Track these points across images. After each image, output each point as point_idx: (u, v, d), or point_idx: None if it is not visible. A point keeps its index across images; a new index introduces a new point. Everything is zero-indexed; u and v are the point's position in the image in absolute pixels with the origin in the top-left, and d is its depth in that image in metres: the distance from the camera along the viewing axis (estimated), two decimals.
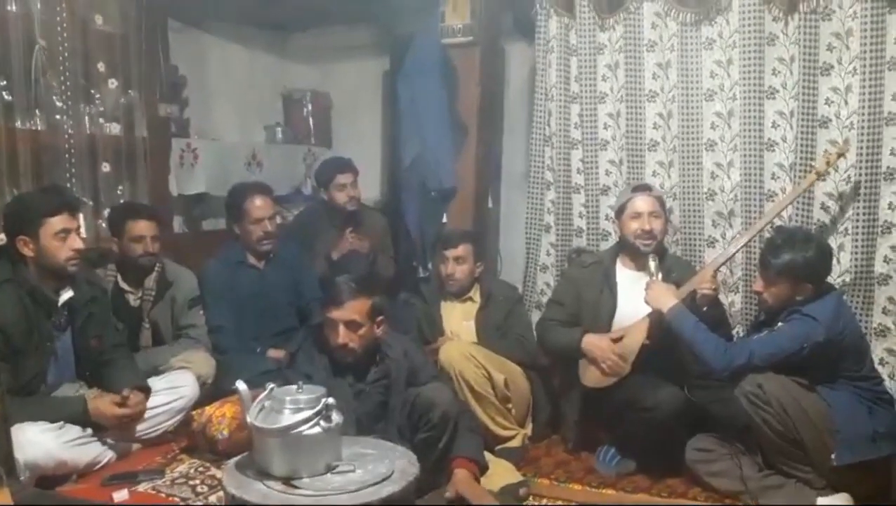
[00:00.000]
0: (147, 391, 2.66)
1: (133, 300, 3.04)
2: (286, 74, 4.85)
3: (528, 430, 2.97)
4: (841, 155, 2.69)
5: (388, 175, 4.53)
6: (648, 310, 2.69)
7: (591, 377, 2.77)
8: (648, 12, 3.07)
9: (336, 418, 1.91)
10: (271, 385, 1.97)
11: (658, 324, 2.63)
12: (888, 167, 2.73)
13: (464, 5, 3.31)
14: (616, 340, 2.72)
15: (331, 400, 1.90)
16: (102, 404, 2.52)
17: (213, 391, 2.90)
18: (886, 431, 2.38)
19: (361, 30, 4.57)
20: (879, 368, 2.69)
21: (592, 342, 2.75)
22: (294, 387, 1.95)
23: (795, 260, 2.42)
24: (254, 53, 4.65)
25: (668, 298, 2.58)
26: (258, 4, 4.16)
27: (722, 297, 2.94)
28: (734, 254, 2.77)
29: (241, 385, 1.95)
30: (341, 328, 2.38)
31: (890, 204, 2.74)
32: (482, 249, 3.32)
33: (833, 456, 2.33)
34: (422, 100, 3.44)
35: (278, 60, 4.83)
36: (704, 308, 2.62)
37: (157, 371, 2.88)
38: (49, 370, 2.57)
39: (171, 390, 2.80)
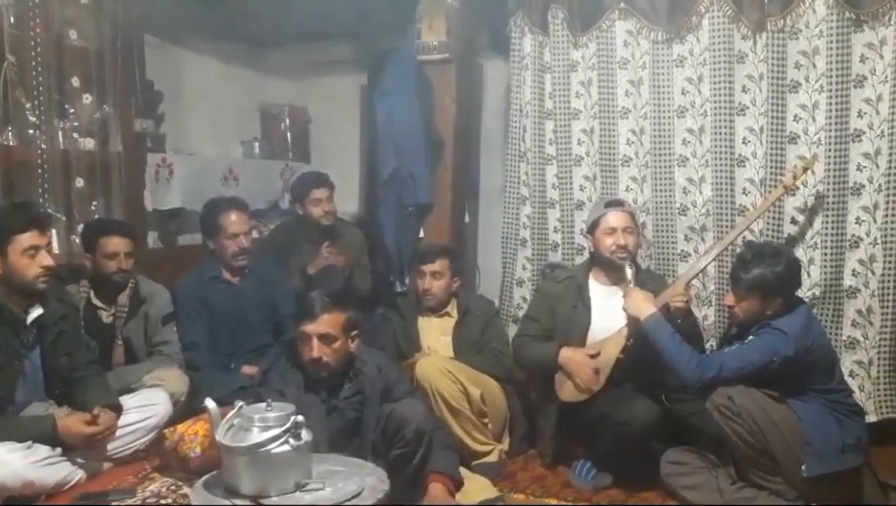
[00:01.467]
0: (118, 410, 2.62)
1: (106, 317, 3.01)
2: (264, 89, 4.85)
3: (505, 445, 2.97)
4: (807, 169, 2.74)
5: (365, 189, 4.54)
6: (622, 324, 2.72)
7: (567, 392, 2.78)
8: (621, 31, 3.12)
9: (306, 435, 1.90)
10: (240, 403, 1.95)
11: (634, 333, 2.65)
12: (855, 182, 2.78)
13: (440, 23, 3.35)
14: (592, 356, 2.73)
15: (300, 418, 1.89)
16: (72, 422, 2.49)
17: (186, 409, 2.88)
18: (855, 442, 2.42)
19: (339, 45, 4.58)
20: (849, 380, 2.74)
21: (569, 356, 2.77)
22: (263, 405, 1.94)
23: (765, 275, 2.46)
24: (231, 69, 4.65)
25: (646, 306, 2.61)
26: (236, 20, 4.17)
27: (695, 310, 2.97)
28: (705, 267, 2.81)
29: (210, 403, 1.93)
30: (315, 342, 2.36)
31: (857, 218, 2.79)
32: (459, 264, 3.33)
33: (803, 467, 2.35)
34: (398, 115, 3.46)
35: (256, 75, 4.83)
36: (678, 320, 2.64)
37: (129, 389, 2.85)
38: (17, 390, 2.52)
39: (144, 407, 2.76)
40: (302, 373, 2.42)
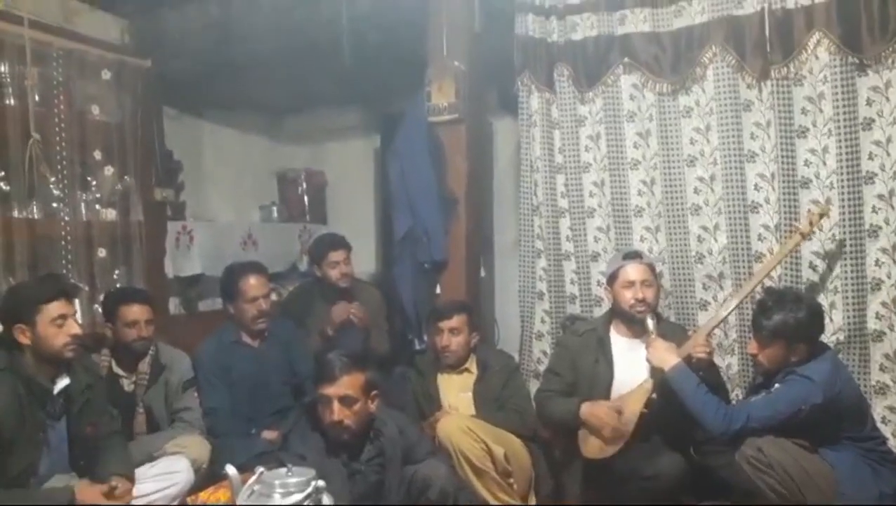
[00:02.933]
0: (132, 481, 2.61)
1: (127, 385, 3.02)
2: (280, 155, 4.98)
3: (531, 503, 2.91)
4: (823, 215, 2.74)
5: (381, 249, 4.58)
6: (645, 377, 2.69)
7: (591, 448, 2.74)
8: (626, 84, 3.17)
9: (327, 500, 1.88)
10: (261, 469, 1.94)
11: (659, 385, 2.62)
12: (871, 224, 2.77)
13: (449, 85, 3.42)
14: (615, 410, 2.69)
15: (321, 483, 1.87)
16: (90, 494, 2.47)
17: (208, 475, 2.85)
18: (892, 491, 2.35)
19: (352, 111, 4.72)
20: (882, 427, 2.66)
21: (590, 411, 2.73)
22: (284, 470, 1.93)
23: (787, 321, 2.43)
24: (248, 136, 4.79)
25: (670, 356, 2.58)
26: (251, 89, 4.30)
27: (718, 359, 2.93)
28: (725, 317, 2.78)
29: (230, 469, 1.92)
30: (335, 404, 2.35)
31: (877, 261, 2.76)
32: (476, 319, 3.32)
33: None
34: (411, 175, 3.51)
35: (272, 142, 4.97)
36: (701, 372, 2.61)
37: (151, 458, 2.83)
38: (41, 461, 2.53)
39: (165, 475, 2.73)
40: (322, 436, 2.40)
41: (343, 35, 3.49)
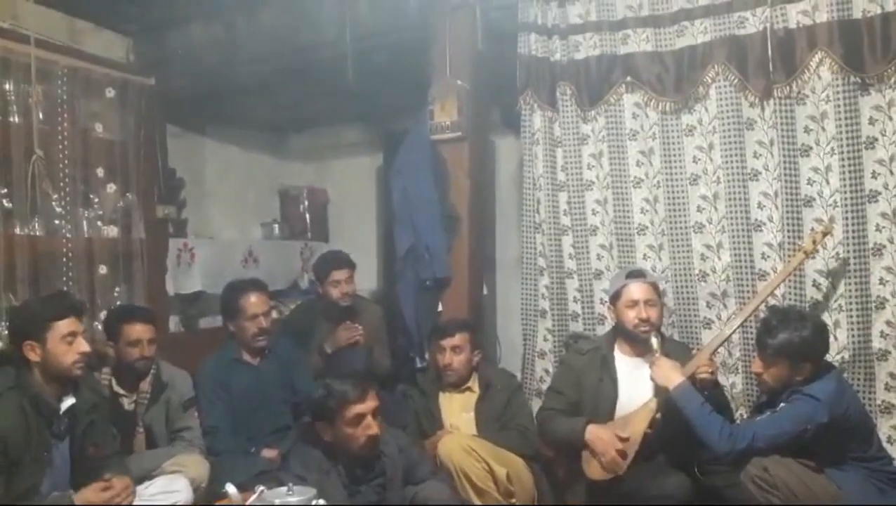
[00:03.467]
0: (130, 480, 2.58)
1: (128, 404, 3.00)
2: (283, 173, 4.99)
3: None
4: (827, 234, 2.73)
5: (383, 266, 4.57)
6: (649, 396, 2.66)
7: (594, 470, 2.71)
8: (629, 103, 3.18)
9: None
10: (261, 487, 1.92)
11: (663, 405, 2.59)
12: (875, 243, 2.76)
13: (451, 104, 3.43)
14: (620, 438, 2.65)
15: (321, 502, 1.85)
16: (87, 493, 2.44)
17: (207, 494, 2.82)
18: None
19: (355, 129, 4.74)
20: (888, 447, 2.63)
21: (596, 435, 2.70)
22: (284, 489, 1.91)
23: (792, 340, 2.42)
24: (251, 154, 4.81)
25: (674, 375, 2.56)
26: (254, 107, 4.33)
27: (722, 378, 2.91)
28: (729, 336, 2.76)
29: (230, 488, 1.91)
30: (369, 419, 2.34)
31: (881, 279, 2.75)
32: (479, 337, 3.31)
33: None
34: (414, 193, 3.52)
35: (275, 160, 4.99)
36: (705, 392, 2.59)
37: (149, 476, 2.81)
38: (44, 481, 2.50)
39: (164, 495, 2.71)
40: (324, 455, 2.38)
41: (347, 53, 3.51)
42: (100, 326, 3.22)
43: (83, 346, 2.48)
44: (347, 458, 2.36)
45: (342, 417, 2.31)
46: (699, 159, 3.07)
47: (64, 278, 3.22)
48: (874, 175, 2.75)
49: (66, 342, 2.44)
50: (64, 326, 2.45)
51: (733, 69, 2.93)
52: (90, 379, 2.72)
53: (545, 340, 3.45)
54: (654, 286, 2.84)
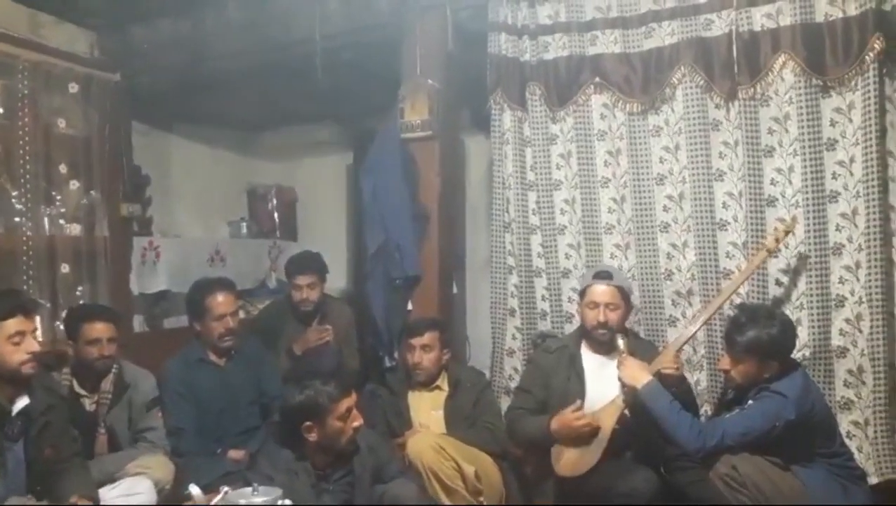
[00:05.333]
0: (95, 502, 2.53)
1: (89, 405, 2.94)
2: (251, 171, 4.94)
3: None
4: (788, 232, 2.78)
5: (353, 265, 4.55)
6: (616, 393, 2.69)
7: (564, 465, 2.72)
8: (597, 104, 3.20)
9: None
10: (226, 488, 1.90)
11: (631, 404, 2.62)
12: (835, 242, 2.81)
13: (422, 103, 3.43)
14: (578, 410, 2.68)
15: (287, 502, 1.83)
16: None
17: (172, 497, 2.78)
18: None
19: (325, 127, 4.70)
20: (847, 442, 2.69)
21: (559, 422, 2.72)
22: (250, 489, 1.89)
23: (760, 337, 2.45)
24: (218, 152, 4.75)
25: (642, 375, 2.59)
26: (222, 105, 4.27)
27: (687, 375, 2.94)
28: (694, 333, 2.80)
29: (194, 489, 1.88)
30: (355, 411, 2.35)
31: (840, 278, 2.81)
32: (448, 335, 3.31)
33: None
34: (384, 192, 3.51)
35: (243, 158, 4.93)
36: (672, 389, 2.62)
37: (112, 479, 2.76)
38: None
39: (127, 497, 2.67)
40: (293, 454, 2.36)
41: (316, 52, 3.49)
42: (61, 326, 3.15)
43: (32, 345, 2.42)
44: (326, 456, 2.34)
45: (333, 413, 2.31)
46: (665, 160, 3.11)
47: (24, 277, 3.15)
48: (834, 176, 2.80)
49: (13, 342, 2.39)
50: (11, 325, 2.39)
51: (700, 71, 2.97)
52: (46, 379, 2.65)
53: (514, 338, 3.46)
54: (620, 289, 2.85)
